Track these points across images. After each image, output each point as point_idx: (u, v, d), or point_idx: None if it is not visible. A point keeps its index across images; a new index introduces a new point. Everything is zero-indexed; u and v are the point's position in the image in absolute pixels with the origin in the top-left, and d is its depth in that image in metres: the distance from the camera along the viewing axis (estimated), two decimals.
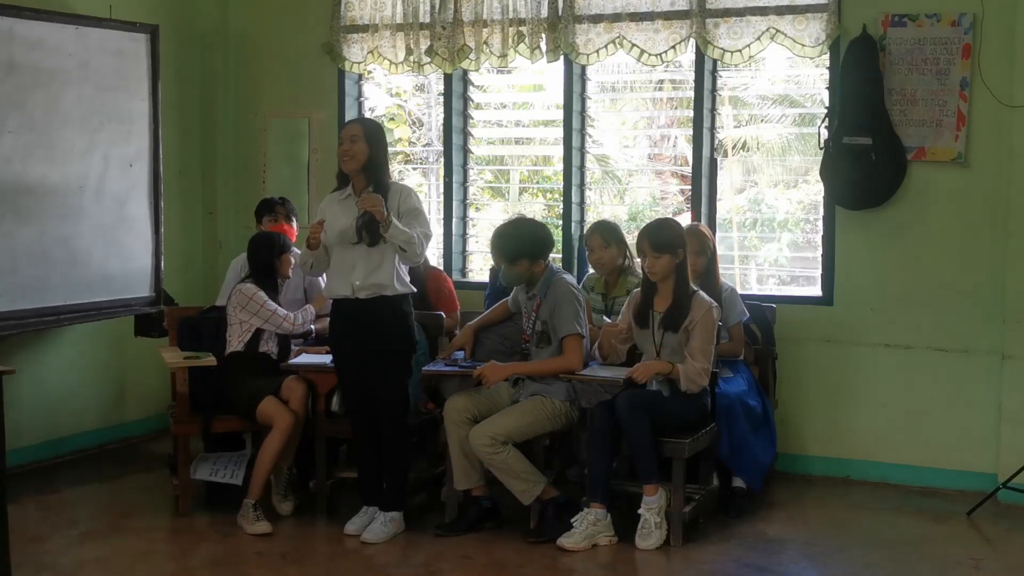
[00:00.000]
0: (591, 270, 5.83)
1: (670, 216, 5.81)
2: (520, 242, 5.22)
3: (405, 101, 7.84)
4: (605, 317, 5.56)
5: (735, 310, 5.59)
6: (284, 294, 5.90)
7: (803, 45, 5.92)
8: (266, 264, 5.63)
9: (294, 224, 6.08)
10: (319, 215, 5.18)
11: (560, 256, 6.59)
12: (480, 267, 7.12)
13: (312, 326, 5.89)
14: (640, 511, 4.97)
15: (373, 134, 5.07)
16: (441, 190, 7.03)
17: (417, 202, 5.10)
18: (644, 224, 5.44)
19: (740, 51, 6.03)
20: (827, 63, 6.05)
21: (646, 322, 5.14)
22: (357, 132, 5.04)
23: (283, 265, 5.66)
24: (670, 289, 5.08)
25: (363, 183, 5.05)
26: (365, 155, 5.00)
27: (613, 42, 6.28)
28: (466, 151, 6.97)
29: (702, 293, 5.14)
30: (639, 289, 5.22)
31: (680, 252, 5.07)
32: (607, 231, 5.65)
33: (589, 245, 5.70)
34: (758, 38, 5.98)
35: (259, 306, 5.50)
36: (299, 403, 5.36)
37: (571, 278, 5.35)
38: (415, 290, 5.28)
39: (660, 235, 5.06)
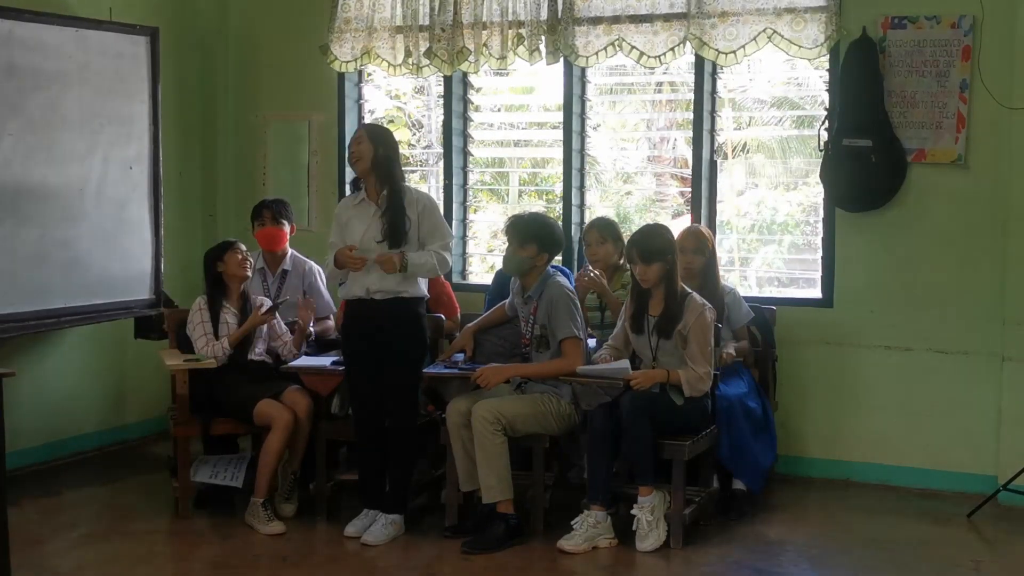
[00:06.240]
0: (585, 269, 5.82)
1: (658, 222, 5.82)
2: (536, 227, 5.27)
3: (405, 103, 7.82)
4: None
5: (740, 311, 5.62)
6: (283, 296, 5.89)
7: (801, 47, 5.90)
8: (211, 274, 5.65)
9: (285, 226, 6.01)
10: (335, 222, 5.23)
11: (560, 257, 6.57)
12: (480, 269, 7.11)
13: (311, 328, 5.89)
14: (633, 511, 4.96)
15: (377, 134, 5.14)
16: (441, 192, 7.03)
17: (436, 214, 5.17)
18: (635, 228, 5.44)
19: (734, 52, 6.00)
20: (827, 65, 6.05)
21: (641, 328, 5.13)
22: (361, 134, 5.13)
23: (229, 266, 5.61)
24: (662, 294, 5.09)
25: (375, 184, 5.09)
26: (371, 153, 5.04)
27: (612, 44, 6.27)
28: (466, 153, 6.97)
29: (695, 295, 5.13)
30: (630, 296, 5.22)
31: (669, 258, 5.05)
32: (604, 227, 5.69)
33: (587, 240, 5.74)
34: (755, 39, 5.97)
35: (192, 325, 5.57)
36: (304, 413, 5.37)
37: (566, 280, 5.36)
38: (428, 295, 5.30)
39: (649, 244, 5.05)
